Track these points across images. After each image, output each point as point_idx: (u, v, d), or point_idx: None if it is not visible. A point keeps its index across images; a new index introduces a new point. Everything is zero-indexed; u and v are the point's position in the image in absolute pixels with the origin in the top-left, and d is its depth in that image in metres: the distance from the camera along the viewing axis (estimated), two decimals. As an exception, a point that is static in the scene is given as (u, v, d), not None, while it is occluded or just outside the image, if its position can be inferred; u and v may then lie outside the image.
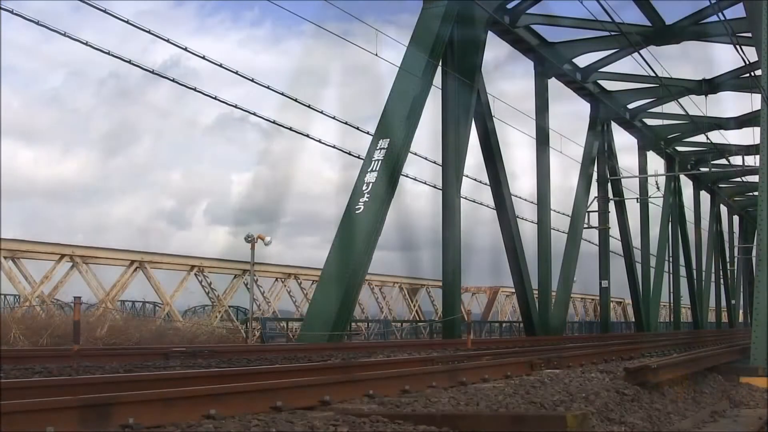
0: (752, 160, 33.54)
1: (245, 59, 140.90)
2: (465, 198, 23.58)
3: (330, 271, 18.35)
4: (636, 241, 37.74)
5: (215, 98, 18.38)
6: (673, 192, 42.61)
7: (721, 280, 55.04)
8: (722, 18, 20.94)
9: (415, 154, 22.88)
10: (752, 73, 22.97)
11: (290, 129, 20.29)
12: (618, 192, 34.91)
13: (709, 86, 32.36)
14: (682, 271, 44.83)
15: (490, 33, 23.87)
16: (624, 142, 39.89)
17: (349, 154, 22.19)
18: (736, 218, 59.40)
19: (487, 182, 24.67)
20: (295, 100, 19.80)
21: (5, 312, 28.03)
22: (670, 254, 42.78)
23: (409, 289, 43.16)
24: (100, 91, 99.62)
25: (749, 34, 21.92)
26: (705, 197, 50.41)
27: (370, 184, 18.63)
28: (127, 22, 15.72)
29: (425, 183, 24.89)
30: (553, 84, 28.88)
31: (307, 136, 20.75)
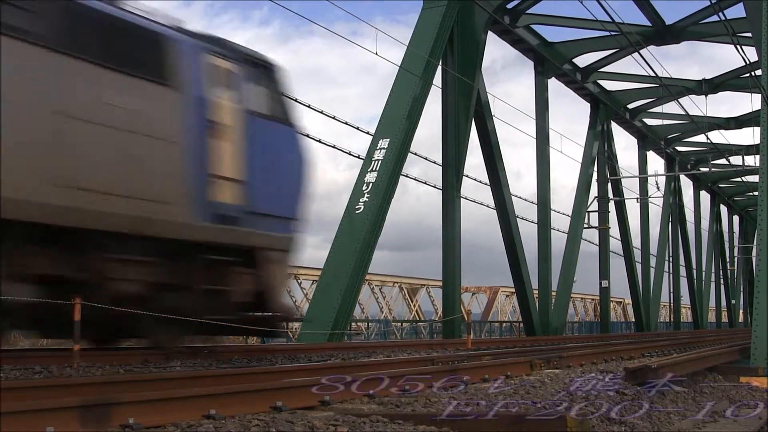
0: (752, 160, 33.57)
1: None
2: (465, 198, 23.60)
3: (330, 271, 18.36)
4: (636, 241, 37.82)
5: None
6: (673, 192, 42.63)
7: (721, 280, 55.04)
8: (722, 18, 20.94)
9: (416, 154, 22.91)
10: (752, 73, 22.98)
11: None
12: (618, 192, 34.92)
13: (709, 86, 32.43)
14: (682, 271, 44.86)
15: (490, 33, 23.88)
16: (624, 142, 40.08)
17: (349, 154, 22.24)
18: (736, 218, 59.41)
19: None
20: (295, 100, 19.78)
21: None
22: (670, 254, 42.80)
23: (409, 289, 43.14)
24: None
25: (749, 34, 21.93)
26: (705, 197, 50.49)
27: (370, 184, 18.66)
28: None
29: (425, 183, 24.93)
30: (553, 84, 28.93)
31: (307, 135, 20.75)
